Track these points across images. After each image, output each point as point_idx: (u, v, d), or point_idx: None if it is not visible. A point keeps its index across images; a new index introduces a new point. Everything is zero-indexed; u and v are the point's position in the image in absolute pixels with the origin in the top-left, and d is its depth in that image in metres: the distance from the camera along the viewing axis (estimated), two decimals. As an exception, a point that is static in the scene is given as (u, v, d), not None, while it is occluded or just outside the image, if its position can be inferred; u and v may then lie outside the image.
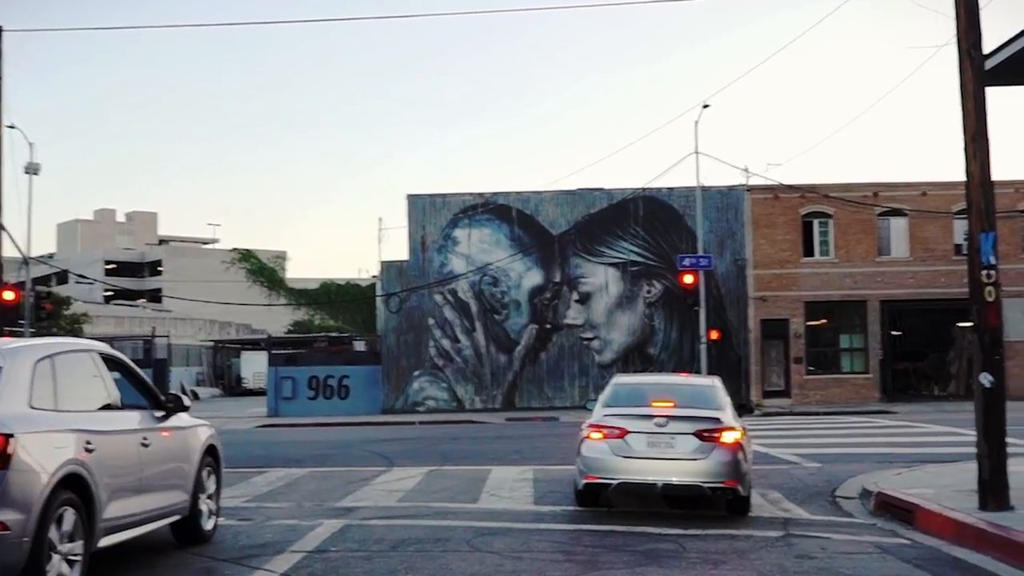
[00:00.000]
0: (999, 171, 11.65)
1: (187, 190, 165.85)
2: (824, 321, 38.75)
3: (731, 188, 38.99)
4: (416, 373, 38.46)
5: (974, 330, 11.53)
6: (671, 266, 37.06)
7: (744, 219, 38.62)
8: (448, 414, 36.10)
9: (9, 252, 28.33)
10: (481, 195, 39.40)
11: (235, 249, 60.63)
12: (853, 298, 38.23)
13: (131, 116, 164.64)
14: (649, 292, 38.47)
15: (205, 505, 10.07)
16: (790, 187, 38.19)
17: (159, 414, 9.31)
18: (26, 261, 32.39)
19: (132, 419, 8.78)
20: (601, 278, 38.58)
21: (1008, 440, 11.33)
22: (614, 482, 11.66)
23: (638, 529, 10.84)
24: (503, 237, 38.91)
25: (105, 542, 7.92)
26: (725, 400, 12.61)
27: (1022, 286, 35.66)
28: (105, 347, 8.96)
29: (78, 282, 77.43)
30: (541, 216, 38.97)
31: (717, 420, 11.74)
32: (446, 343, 38.53)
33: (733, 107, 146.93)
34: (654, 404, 12.02)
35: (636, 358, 38.13)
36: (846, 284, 38.17)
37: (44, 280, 61.04)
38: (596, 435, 11.84)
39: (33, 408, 7.30)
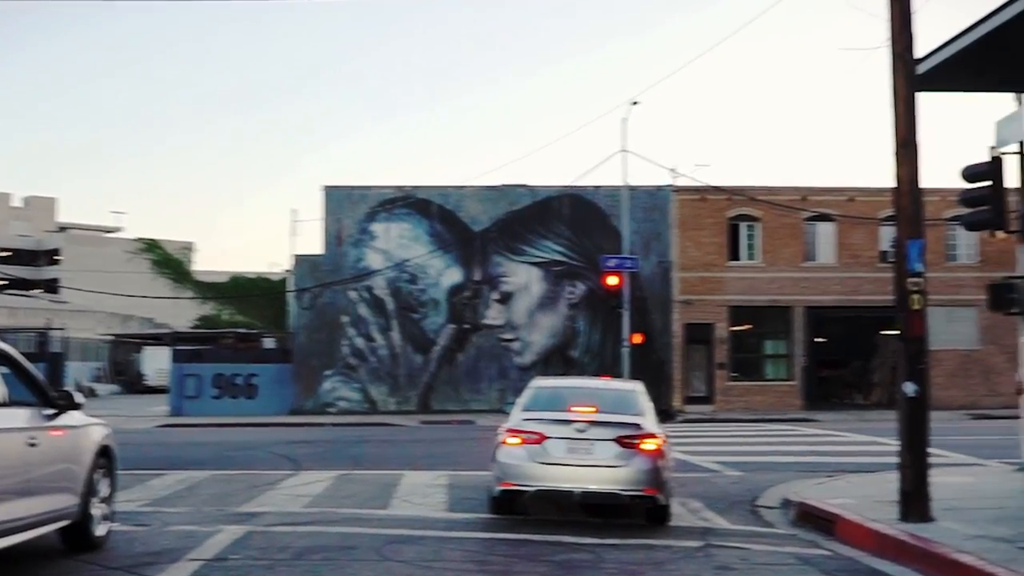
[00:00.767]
0: (926, 179, 11.84)
1: (90, 175, 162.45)
2: (749, 326, 39.29)
3: (658, 188, 39.30)
4: (328, 373, 38.10)
5: (899, 338, 11.72)
6: (595, 267, 37.22)
7: (670, 220, 38.98)
8: (360, 416, 35.81)
9: None
10: (401, 188, 39.19)
11: (139, 239, 59.52)
12: (778, 303, 38.80)
13: (30, 95, 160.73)
14: (572, 293, 38.61)
15: (97, 509, 9.77)
16: (717, 189, 38.64)
17: (49, 412, 9.03)
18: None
19: (18, 417, 8.49)
20: (523, 278, 38.62)
21: (930, 450, 11.55)
22: (531, 489, 11.64)
23: (554, 538, 10.82)
24: (422, 233, 38.74)
25: (-15, 548, 7.64)
26: (647, 406, 12.67)
27: (946, 295, 36.54)
28: (-10, 339, 8.64)
29: (-32, 270, 75.29)
30: (462, 212, 38.88)
31: (638, 426, 11.78)
32: (360, 342, 38.23)
33: (662, 105, 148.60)
34: (574, 409, 12.02)
35: (557, 361, 38.22)
36: (772, 289, 38.74)
37: (-69, 267, 59.20)
38: (513, 440, 11.80)
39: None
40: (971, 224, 14.91)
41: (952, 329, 37.74)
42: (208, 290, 54.67)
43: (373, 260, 38.56)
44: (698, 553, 10.26)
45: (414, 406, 37.89)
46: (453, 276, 38.63)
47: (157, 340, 59.79)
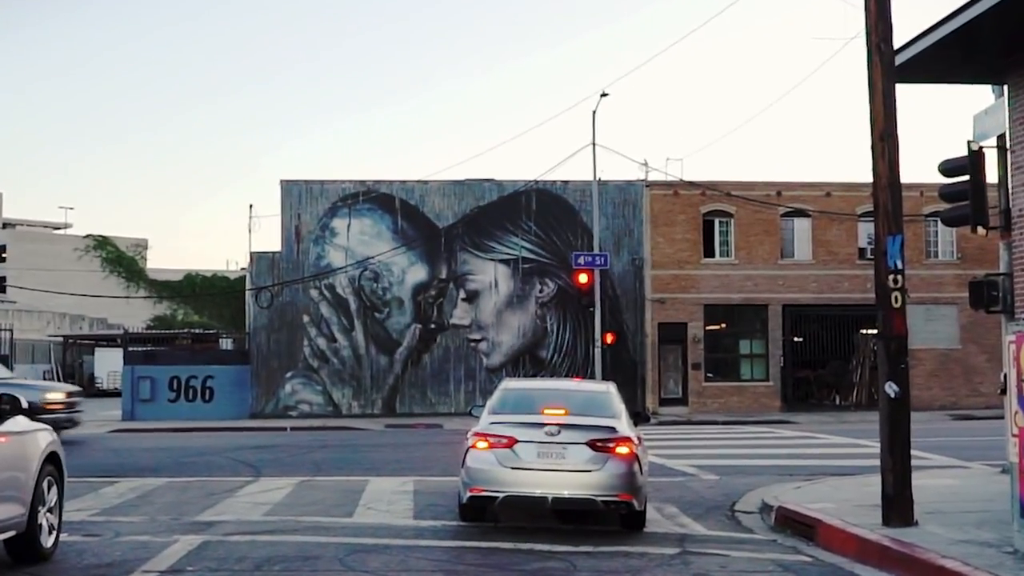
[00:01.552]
0: (904, 174, 11.91)
1: (37, 169, 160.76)
2: (723, 325, 39.44)
3: (629, 183, 39.38)
4: (288, 375, 37.89)
5: (879, 337, 11.78)
6: (565, 264, 37.27)
7: (642, 216, 39.05)
8: (323, 419, 35.65)
9: None
10: (363, 183, 39.03)
11: (90, 235, 59.07)
12: (754, 302, 38.97)
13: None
14: (541, 291, 38.59)
15: (45, 519, 9.64)
16: (691, 183, 38.76)
17: (-8, 417, 8.89)
18: None
19: (-41, 423, 8.35)
20: (490, 275, 38.57)
21: (913, 452, 11.60)
22: (501, 495, 11.58)
23: (525, 546, 10.79)
24: (385, 229, 38.61)
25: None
26: (620, 408, 12.66)
27: (925, 292, 36.87)
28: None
29: (-92, 268, 74.39)
30: (426, 207, 38.79)
31: (612, 429, 11.76)
32: (322, 342, 38.05)
33: (633, 97, 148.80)
34: (545, 411, 11.99)
35: (527, 361, 38.21)
36: (747, 287, 38.90)
37: None
38: (482, 444, 11.75)
39: None
40: (950, 220, 15.03)
41: (932, 328, 38.09)
42: (162, 289, 54.34)
43: (334, 257, 38.39)
44: (675, 560, 10.26)
45: (379, 409, 37.76)
46: (418, 274, 38.53)
47: (110, 341, 59.36)
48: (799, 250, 39.48)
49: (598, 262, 35.14)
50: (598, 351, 35.05)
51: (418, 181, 39.32)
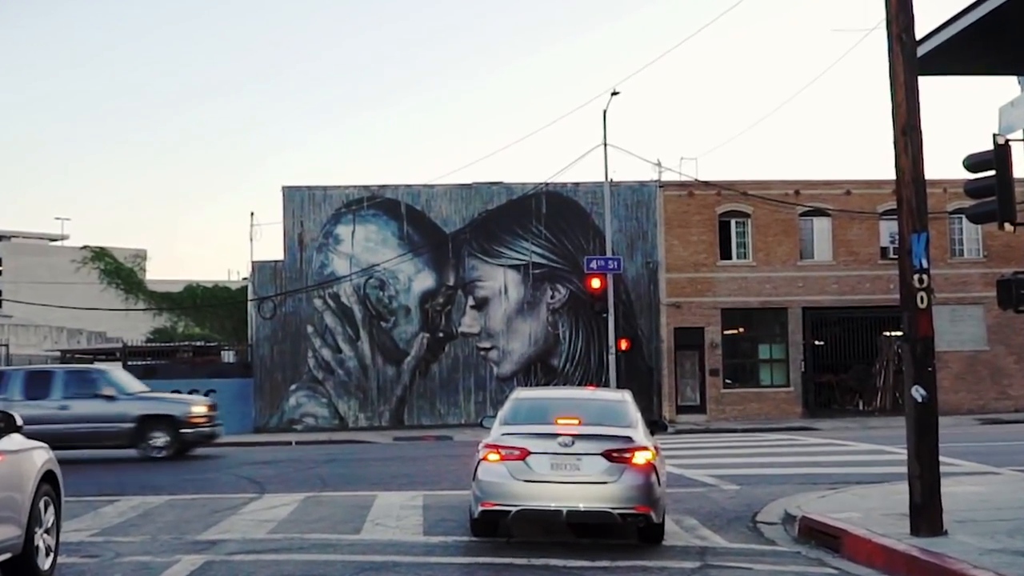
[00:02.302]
0: (927, 170, 11.85)
1: (32, 179, 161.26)
2: (742, 330, 39.35)
3: (642, 184, 39.34)
4: (293, 387, 37.91)
5: (904, 339, 11.69)
6: (577, 269, 37.23)
7: (656, 218, 39.00)
8: (329, 433, 35.65)
9: None
10: (367, 188, 39.06)
11: (87, 247, 59.14)
12: (773, 305, 38.88)
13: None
14: (553, 297, 38.56)
15: (42, 540, 9.61)
16: (706, 183, 38.69)
17: (-14, 435, 8.86)
18: None
19: (-47, 442, 8.33)
20: (499, 281, 38.55)
21: (940, 459, 11.50)
22: (514, 509, 11.51)
23: (540, 562, 10.73)
24: (391, 235, 38.63)
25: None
26: (636, 416, 12.59)
27: (950, 293, 36.74)
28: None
29: (-99, 283, 74.63)
30: (433, 212, 38.79)
31: (628, 439, 11.69)
32: (327, 353, 38.06)
33: (645, 95, 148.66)
34: (558, 421, 11.93)
35: (538, 370, 38.18)
36: (765, 289, 38.81)
37: None
38: (494, 456, 11.69)
39: None
40: (976, 216, 14.88)
41: (957, 329, 37.96)
42: (162, 301, 54.39)
43: (339, 265, 38.41)
44: (695, 574, 10.20)
45: (386, 421, 37.76)
46: (425, 281, 38.52)
47: (109, 355, 59.40)
48: (819, 250, 39.37)
49: (611, 266, 35.09)
50: (612, 358, 34.99)
51: (424, 185, 39.34)
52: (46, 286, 69.87)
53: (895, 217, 12.14)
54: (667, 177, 39.31)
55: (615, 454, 11.45)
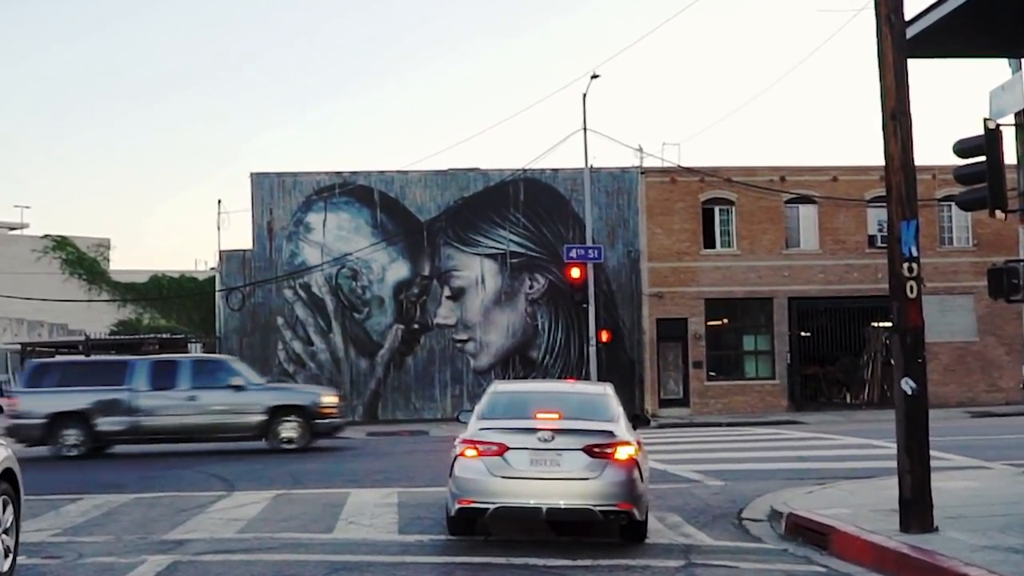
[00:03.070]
0: (917, 155, 11.86)
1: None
2: (726, 320, 39.45)
3: (623, 170, 39.35)
4: (263, 381, 37.76)
5: (894, 330, 11.71)
6: (556, 258, 37.22)
7: (638, 205, 39.03)
8: (300, 428, 35.49)
9: None
10: (339, 174, 38.93)
11: (48, 236, 58.67)
12: (758, 295, 38.99)
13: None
14: (531, 287, 38.56)
15: (0, 541, 9.54)
16: (689, 170, 38.73)
17: (-57, 433, 8.78)
18: None
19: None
20: (476, 271, 38.51)
21: (930, 453, 11.54)
22: (492, 506, 11.49)
23: (520, 560, 10.73)
24: (364, 223, 38.52)
25: None
26: (618, 410, 12.58)
27: (939, 282, 36.89)
28: None
29: None
30: (407, 200, 38.70)
31: (610, 433, 11.68)
32: (298, 345, 37.96)
33: (626, 78, 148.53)
34: (538, 416, 11.90)
35: (517, 362, 38.18)
36: (750, 279, 38.90)
37: None
38: (471, 452, 11.67)
39: None
40: (966, 204, 14.94)
41: (947, 319, 38.15)
42: (127, 291, 54.00)
43: (310, 255, 38.29)
44: (679, 573, 10.22)
45: (360, 416, 37.65)
46: (399, 271, 38.45)
47: (71, 348, 59.08)
48: (805, 239, 39.49)
49: (591, 255, 35.08)
50: (593, 350, 35.00)
51: (398, 172, 39.22)
52: (5, 276, 69.30)
53: (883, 204, 12.16)
54: (649, 163, 39.40)
55: (596, 449, 11.44)
